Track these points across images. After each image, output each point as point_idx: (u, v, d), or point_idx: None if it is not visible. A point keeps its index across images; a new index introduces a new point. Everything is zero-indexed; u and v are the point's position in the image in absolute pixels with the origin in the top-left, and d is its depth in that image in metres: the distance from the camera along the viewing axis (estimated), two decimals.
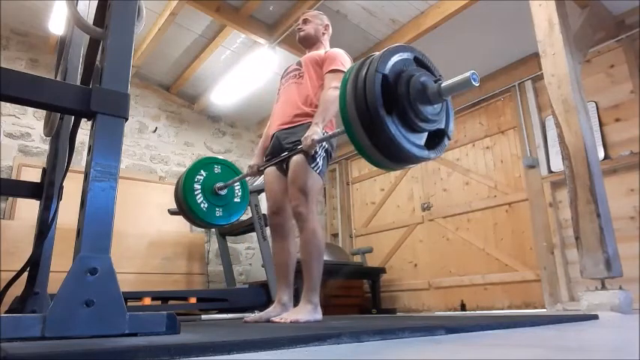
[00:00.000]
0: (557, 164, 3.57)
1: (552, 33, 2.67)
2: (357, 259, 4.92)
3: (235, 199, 2.61)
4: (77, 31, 1.81)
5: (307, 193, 2.06)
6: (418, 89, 1.29)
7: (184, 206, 2.48)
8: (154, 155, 4.71)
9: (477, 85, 1.28)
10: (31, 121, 4.01)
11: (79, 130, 1.71)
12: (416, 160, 1.37)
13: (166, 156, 4.80)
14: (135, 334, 1.04)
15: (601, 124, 3.48)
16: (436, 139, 1.41)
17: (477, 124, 4.49)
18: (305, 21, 2.49)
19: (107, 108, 1.17)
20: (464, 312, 4.14)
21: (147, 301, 3.13)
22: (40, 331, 0.94)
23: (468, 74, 1.27)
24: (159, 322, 1.09)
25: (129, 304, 2.85)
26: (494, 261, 4.08)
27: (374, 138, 1.31)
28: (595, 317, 1.97)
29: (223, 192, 2.56)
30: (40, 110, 3.47)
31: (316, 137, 2.01)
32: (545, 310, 3.55)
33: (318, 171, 2.11)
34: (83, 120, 1.34)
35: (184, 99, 5.02)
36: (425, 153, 1.36)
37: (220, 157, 4.88)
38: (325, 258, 2.18)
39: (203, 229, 4.47)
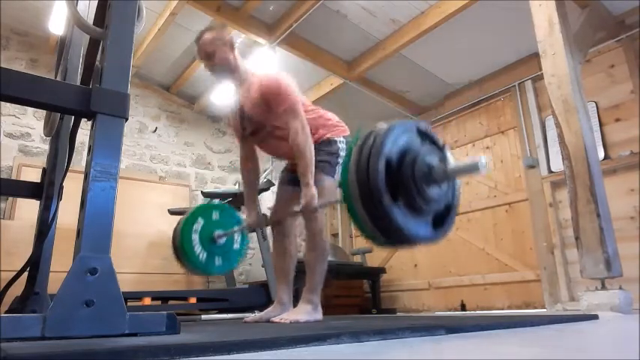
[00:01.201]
0: (557, 164, 3.57)
1: (552, 33, 2.67)
2: (357, 259, 4.92)
3: (235, 246, 2.50)
4: (77, 31, 1.81)
5: (323, 196, 2.01)
6: (424, 172, 1.21)
7: (183, 258, 2.35)
8: (154, 155, 4.71)
9: (484, 171, 1.19)
10: (31, 121, 4.01)
11: (79, 130, 1.71)
12: (425, 242, 1.30)
13: (166, 156, 4.79)
14: (135, 334, 1.04)
15: (601, 124, 3.47)
16: (444, 213, 1.34)
17: (477, 124, 4.49)
18: (208, 56, 2.04)
19: (107, 108, 1.17)
20: (464, 312, 4.14)
21: (147, 301, 3.13)
22: (40, 331, 0.94)
23: (476, 160, 1.17)
24: (159, 322, 1.09)
25: (129, 304, 2.85)
26: (494, 261, 4.08)
27: (379, 222, 1.21)
28: (595, 317, 1.97)
29: (222, 240, 2.42)
30: (40, 110, 3.46)
31: (316, 202, 1.92)
32: (545, 310, 3.54)
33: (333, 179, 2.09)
34: (83, 120, 1.34)
35: (184, 99, 5.02)
36: (434, 234, 1.30)
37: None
38: None
39: None
